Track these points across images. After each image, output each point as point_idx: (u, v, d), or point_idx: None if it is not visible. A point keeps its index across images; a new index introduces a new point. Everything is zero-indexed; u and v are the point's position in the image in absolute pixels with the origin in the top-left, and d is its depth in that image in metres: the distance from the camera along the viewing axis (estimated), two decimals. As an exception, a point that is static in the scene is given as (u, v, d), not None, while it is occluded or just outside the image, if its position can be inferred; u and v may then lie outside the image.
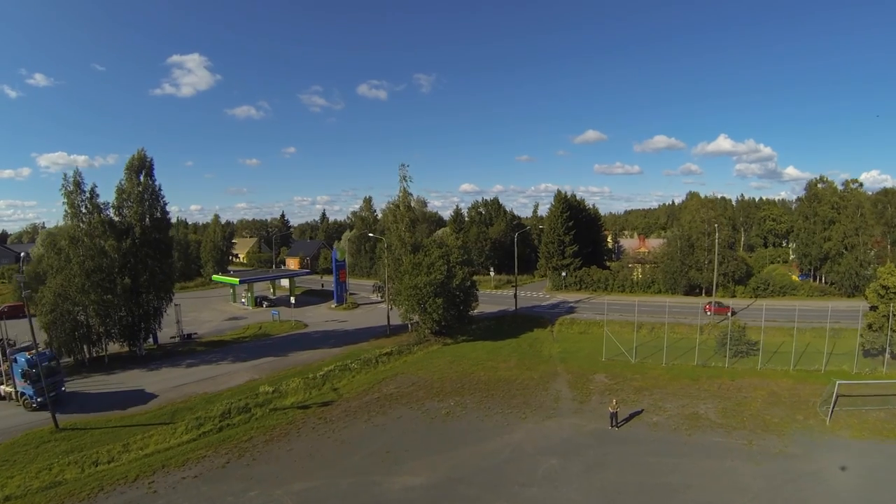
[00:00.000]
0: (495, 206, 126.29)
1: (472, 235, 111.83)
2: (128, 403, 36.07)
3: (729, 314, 60.16)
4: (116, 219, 48.04)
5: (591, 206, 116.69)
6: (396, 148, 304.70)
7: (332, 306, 76.83)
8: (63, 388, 37.57)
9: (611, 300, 75.01)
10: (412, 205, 60.57)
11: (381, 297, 71.06)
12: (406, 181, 58.79)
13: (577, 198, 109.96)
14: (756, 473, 25.57)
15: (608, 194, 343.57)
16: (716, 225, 72.32)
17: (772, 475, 25.35)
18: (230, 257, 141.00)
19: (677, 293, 77.83)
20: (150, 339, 52.95)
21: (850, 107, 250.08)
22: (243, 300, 79.75)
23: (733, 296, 74.52)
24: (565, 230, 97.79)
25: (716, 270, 65.51)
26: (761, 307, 54.94)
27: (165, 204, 50.35)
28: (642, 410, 34.28)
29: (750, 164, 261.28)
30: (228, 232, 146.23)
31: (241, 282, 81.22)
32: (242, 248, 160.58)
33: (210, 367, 45.20)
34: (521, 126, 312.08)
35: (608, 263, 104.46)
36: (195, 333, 58.09)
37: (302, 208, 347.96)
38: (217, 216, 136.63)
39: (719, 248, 73.73)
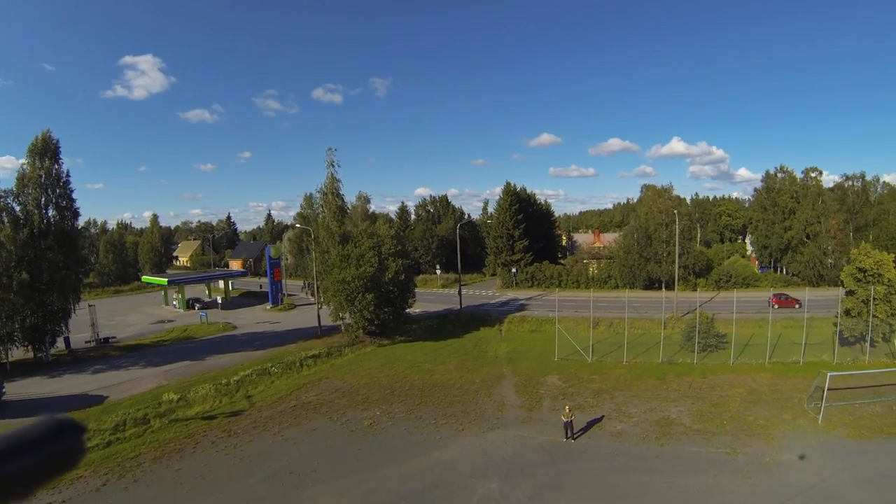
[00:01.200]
0: (444, 203, 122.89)
1: (419, 233, 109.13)
2: (17, 415, 31.79)
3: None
4: (17, 207, 44.88)
5: (542, 202, 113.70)
6: (352, 152, 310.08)
7: (268, 308, 74.62)
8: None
9: (565, 296, 71.47)
10: (341, 192, 56.38)
11: (312, 296, 66.14)
12: (333, 167, 55.46)
13: (528, 191, 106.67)
14: (746, 490, 21.47)
15: (563, 197, 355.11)
16: (675, 212, 69.40)
17: (766, 492, 21.37)
18: (171, 259, 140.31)
19: (636, 288, 75.40)
20: (63, 344, 50.39)
21: (799, 106, 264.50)
22: (175, 302, 77.29)
23: (695, 289, 72.36)
24: (514, 224, 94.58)
25: (677, 261, 62.09)
26: (725, 299, 53.04)
27: (72, 191, 47.29)
28: (603, 417, 29.88)
29: (703, 166, 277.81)
30: (167, 234, 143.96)
31: (169, 282, 78.69)
32: (187, 251, 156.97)
33: (118, 374, 41.93)
34: (477, 130, 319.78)
35: (562, 260, 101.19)
36: (113, 337, 55.63)
37: (257, 213, 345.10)
38: (156, 216, 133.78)
39: (678, 239, 71.01)
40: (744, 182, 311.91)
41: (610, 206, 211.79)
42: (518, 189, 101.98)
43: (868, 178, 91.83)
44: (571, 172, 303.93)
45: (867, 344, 40.63)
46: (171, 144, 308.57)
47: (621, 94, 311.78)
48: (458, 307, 65.28)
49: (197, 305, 72.99)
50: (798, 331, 45.04)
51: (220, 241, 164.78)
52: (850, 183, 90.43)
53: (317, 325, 55.67)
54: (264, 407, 33.05)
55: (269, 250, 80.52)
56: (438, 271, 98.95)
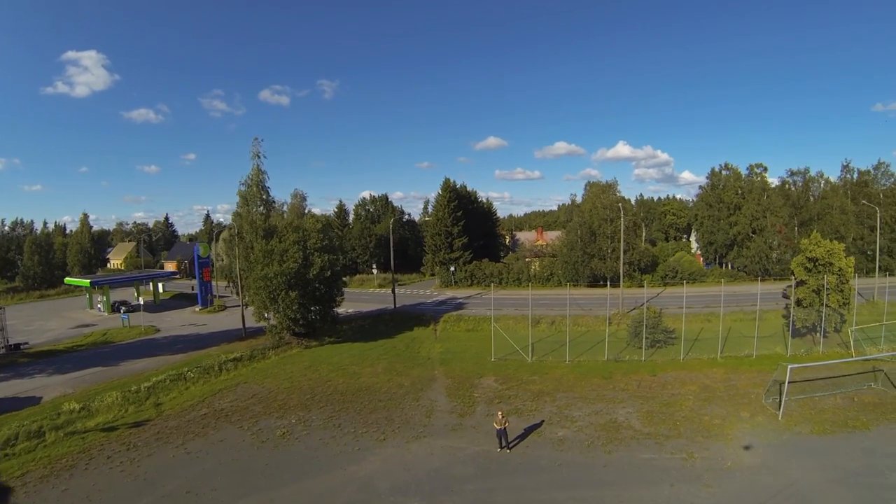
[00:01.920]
0: (384, 203, 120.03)
1: (356, 232, 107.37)
2: None
3: None
4: None
5: (484, 201, 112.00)
6: (298, 155, 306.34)
7: (196, 310, 72.63)
8: None
9: (505, 295, 70.46)
10: (266, 184, 52.96)
11: (238, 295, 62.51)
12: (259, 158, 52.25)
13: (468, 189, 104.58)
14: (709, 501, 18.73)
15: (509, 199, 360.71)
16: (620, 205, 68.30)
17: (732, 501, 18.43)
18: (104, 262, 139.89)
19: (580, 285, 73.90)
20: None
21: (740, 112, 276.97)
22: (99, 306, 74.27)
23: (641, 285, 71.49)
24: (453, 221, 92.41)
25: (622, 256, 60.59)
26: (672, 295, 52.30)
27: None
28: (543, 422, 27.03)
29: (648, 169, 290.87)
30: (102, 236, 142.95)
31: (92, 284, 75.57)
32: (121, 254, 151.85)
33: (21, 382, 38.90)
34: (423, 133, 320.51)
35: (504, 259, 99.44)
36: (25, 343, 52.45)
37: (201, 217, 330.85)
38: (86, 215, 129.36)
39: (624, 235, 70.34)
40: (687, 185, 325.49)
41: (555, 207, 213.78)
42: (458, 186, 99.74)
43: (812, 174, 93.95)
44: (517, 175, 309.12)
45: (819, 335, 40.44)
46: (113, 145, 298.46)
47: (568, 98, 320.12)
48: (392, 307, 63.25)
49: (122, 308, 69.28)
50: (748, 324, 44.84)
51: (157, 243, 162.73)
52: (794, 179, 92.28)
53: (248, 326, 53.26)
54: (173, 415, 30.34)
55: (197, 249, 76.78)
56: (375, 271, 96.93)
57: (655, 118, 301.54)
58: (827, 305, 39.67)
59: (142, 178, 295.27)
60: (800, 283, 42.21)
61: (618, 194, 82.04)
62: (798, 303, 41.41)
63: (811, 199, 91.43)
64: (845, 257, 40.78)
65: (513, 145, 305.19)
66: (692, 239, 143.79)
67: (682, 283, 70.99)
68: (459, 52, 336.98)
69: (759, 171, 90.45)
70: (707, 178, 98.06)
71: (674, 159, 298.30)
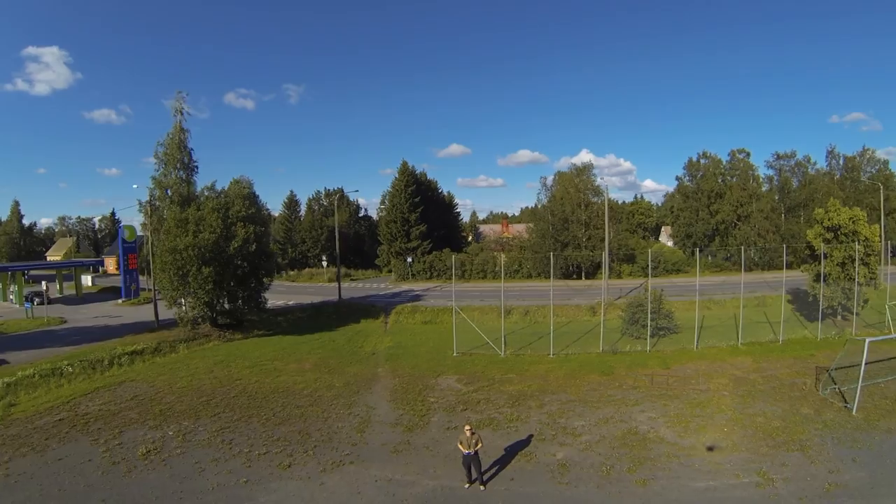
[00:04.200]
0: (338, 196, 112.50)
1: (307, 223, 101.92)
2: None
3: None
4: None
5: (446, 193, 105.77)
6: (263, 159, 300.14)
7: (119, 302, 65.92)
8: None
9: (468, 287, 64.42)
10: (188, 145, 46.14)
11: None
12: (182, 114, 45.21)
13: (429, 177, 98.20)
14: None
15: (471, 206, 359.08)
16: (600, 184, 62.47)
17: None
18: (40, 257, 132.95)
19: (553, 277, 66.87)
20: None
21: (700, 124, 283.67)
22: (11, 297, 69.93)
23: (619, 276, 65.65)
24: (411, 207, 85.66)
25: (607, 235, 54.47)
26: (656, 286, 46.28)
27: None
28: (531, 437, 19.35)
29: (611, 177, 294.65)
30: (45, 236, 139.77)
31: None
32: (62, 249, 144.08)
33: None
34: (387, 140, 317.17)
35: (466, 250, 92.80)
36: None
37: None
38: (17, 202, 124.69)
39: (595, 222, 65.71)
40: (649, 193, 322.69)
41: (517, 212, 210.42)
42: (417, 173, 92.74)
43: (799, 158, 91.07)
44: (480, 182, 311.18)
45: (838, 317, 37.59)
46: (74, 146, 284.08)
47: (531, 107, 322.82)
48: (337, 298, 57.41)
49: (36, 300, 62.31)
50: (752, 310, 41.02)
51: (104, 239, 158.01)
52: (781, 163, 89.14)
53: (167, 317, 46.03)
54: (20, 420, 23.47)
55: (122, 231, 68.82)
56: (325, 263, 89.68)
57: (618, 127, 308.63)
58: (856, 280, 35.68)
59: (102, 180, 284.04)
60: (813, 258, 38.75)
61: (593, 176, 76.32)
62: (820, 278, 36.74)
63: (796, 184, 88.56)
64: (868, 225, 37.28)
65: (476, 153, 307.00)
66: (662, 239, 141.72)
67: (664, 274, 67.80)
68: (424, 60, 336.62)
69: (741, 156, 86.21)
70: (684, 167, 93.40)
71: (636, 167, 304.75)
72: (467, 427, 15.99)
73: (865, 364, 20.57)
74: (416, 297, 59.97)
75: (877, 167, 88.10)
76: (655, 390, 24.01)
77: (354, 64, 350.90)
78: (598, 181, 76.02)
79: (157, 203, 46.10)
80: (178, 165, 45.12)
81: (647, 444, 18.15)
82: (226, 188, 60.00)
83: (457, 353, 32.14)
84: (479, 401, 23.56)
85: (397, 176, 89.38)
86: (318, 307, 53.69)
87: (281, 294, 60.16)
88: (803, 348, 30.80)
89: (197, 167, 46.27)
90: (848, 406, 20.74)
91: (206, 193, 45.92)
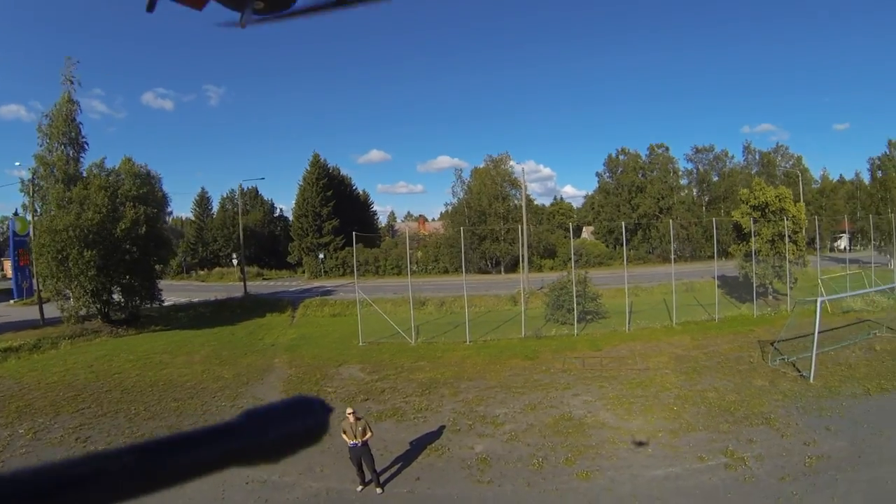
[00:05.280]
0: (252, 195, 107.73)
1: (218, 222, 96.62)
2: None
3: None
4: None
5: (361, 191, 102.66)
6: (181, 162, 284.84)
7: (11, 302, 58.32)
8: None
9: (383, 283, 62.48)
10: (77, 119, 41.52)
11: None
12: (71, 84, 40.87)
13: (342, 172, 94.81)
14: None
15: (390, 213, 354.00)
16: (522, 171, 60.90)
17: None
18: None
19: (470, 272, 64.96)
20: None
21: (616, 129, 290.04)
22: None
23: (540, 269, 64.17)
24: (322, 201, 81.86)
25: (524, 215, 52.36)
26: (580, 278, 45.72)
27: None
28: (443, 428, 16.08)
29: (531, 183, 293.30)
30: None
31: None
32: None
33: None
34: (307, 144, 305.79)
35: (381, 245, 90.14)
36: None
37: None
38: None
39: (513, 215, 64.96)
40: (570, 198, 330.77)
41: (437, 216, 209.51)
42: (330, 167, 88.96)
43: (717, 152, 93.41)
44: (399, 189, 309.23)
45: (769, 296, 37.47)
46: None
47: (452, 112, 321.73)
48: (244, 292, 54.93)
49: None
50: (682, 295, 39.25)
51: (5, 243, 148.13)
52: (701, 156, 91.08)
53: (57, 315, 40.77)
54: None
55: (13, 224, 61.23)
56: (235, 262, 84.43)
57: (538, 132, 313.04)
58: (786, 257, 35.50)
59: (14, 181, 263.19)
60: (741, 238, 38.55)
61: (510, 168, 74.70)
62: (749, 256, 36.62)
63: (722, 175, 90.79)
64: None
65: (396, 159, 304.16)
66: (584, 236, 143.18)
67: (587, 267, 66.12)
68: (343, 63, 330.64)
69: (660, 150, 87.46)
70: (604, 163, 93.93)
71: (556, 173, 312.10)
72: (350, 411, 12.58)
73: (817, 330, 19.23)
74: (328, 293, 57.60)
75: (790, 162, 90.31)
76: (588, 372, 21.42)
77: (275, 65, 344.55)
78: (515, 172, 74.49)
79: (41, 183, 41.37)
80: (65, 140, 40.69)
81: (586, 429, 15.28)
82: (116, 167, 54.84)
83: (363, 342, 28.98)
84: (383, 389, 20.29)
85: (308, 168, 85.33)
86: (222, 302, 50.84)
87: (189, 292, 56.03)
88: (741, 325, 29.92)
89: (87, 144, 41.59)
90: (804, 375, 19.32)
91: (94, 171, 41.96)
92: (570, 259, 49.11)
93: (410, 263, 71.91)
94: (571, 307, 30.95)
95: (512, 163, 75.03)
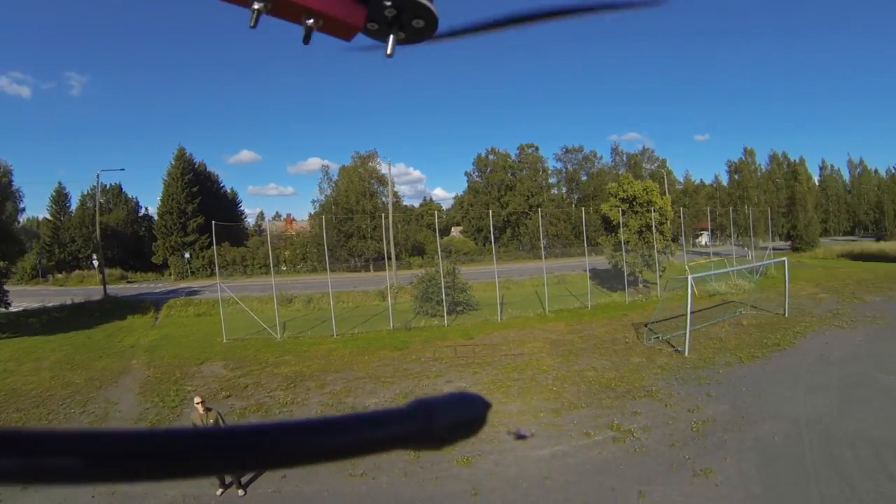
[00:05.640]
0: (115, 193, 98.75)
1: (76, 221, 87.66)
2: None
3: None
4: None
5: (229, 190, 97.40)
6: (38, 159, 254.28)
7: None
8: None
9: (250, 283, 59.02)
10: None
11: None
12: None
13: (209, 169, 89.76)
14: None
15: (258, 213, 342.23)
16: (387, 171, 59.60)
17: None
18: None
19: (338, 270, 63.74)
20: None
21: (485, 132, 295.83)
22: None
23: (409, 266, 63.80)
24: (188, 197, 76.76)
25: (391, 211, 51.19)
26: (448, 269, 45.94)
27: None
28: (308, 423, 13.91)
29: (401, 186, 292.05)
30: None
31: None
32: None
33: None
34: (174, 141, 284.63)
35: (248, 244, 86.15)
36: None
37: None
38: None
39: (382, 211, 63.75)
40: (440, 200, 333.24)
41: (306, 218, 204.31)
42: (196, 163, 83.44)
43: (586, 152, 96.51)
44: (270, 191, 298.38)
45: (640, 285, 38.72)
46: None
47: (323, 114, 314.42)
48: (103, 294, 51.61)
49: None
50: (554, 287, 39.95)
51: None
52: (570, 156, 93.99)
53: None
54: None
55: None
56: (96, 263, 77.04)
57: (407, 134, 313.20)
58: (654, 246, 36.95)
59: None
60: (610, 231, 39.60)
61: (378, 164, 73.56)
62: (619, 246, 37.59)
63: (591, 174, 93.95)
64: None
65: (267, 160, 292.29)
66: (454, 234, 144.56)
67: (457, 263, 66.51)
68: (218, 57, 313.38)
69: (530, 150, 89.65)
70: (473, 163, 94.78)
71: (426, 176, 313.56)
72: (198, 400, 10.95)
73: (690, 305, 20.09)
74: (194, 293, 54.72)
75: (656, 164, 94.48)
76: (461, 360, 20.63)
77: (144, 56, 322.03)
78: (382, 168, 73.59)
79: None
80: None
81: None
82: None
83: (227, 339, 27.06)
84: (246, 385, 18.41)
85: (173, 163, 79.44)
86: (79, 305, 46.49)
87: (44, 297, 50.29)
88: (614, 310, 30.59)
89: None
90: (679, 350, 19.91)
91: None
92: (438, 250, 48.93)
93: (279, 263, 69.47)
94: (440, 299, 30.50)
95: (379, 160, 74.10)
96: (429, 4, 0.97)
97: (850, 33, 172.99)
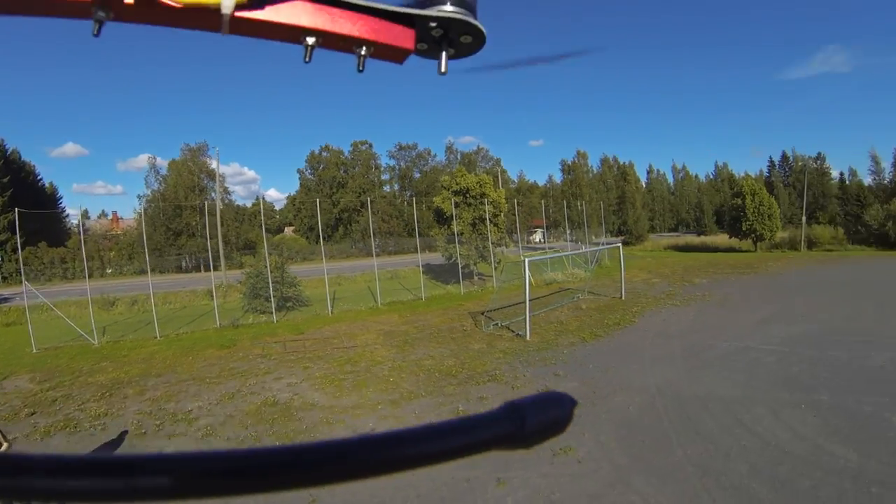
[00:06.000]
0: None
1: None
2: None
3: None
4: None
5: (48, 184, 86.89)
6: None
7: None
8: None
9: (70, 287, 53.06)
10: None
11: None
12: None
13: (23, 159, 78.99)
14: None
15: (83, 210, 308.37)
16: (216, 155, 56.65)
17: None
18: None
19: (167, 271, 61.65)
20: None
21: (316, 131, 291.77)
22: None
23: (241, 266, 60.83)
24: None
25: (218, 203, 48.58)
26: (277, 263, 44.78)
27: None
28: (125, 434, 12.73)
29: (235, 186, 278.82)
30: None
31: None
32: None
33: None
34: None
35: (68, 244, 77.50)
36: None
37: None
38: None
39: (211, 208, 60.87)
40: (275, 201, 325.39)
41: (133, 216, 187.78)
42: (8, 150, 72.97)
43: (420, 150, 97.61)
44: (97, 189, 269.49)
45: (475, 278, 39.36)
46: None
47: (154, 109, 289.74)
48: None
49: None
50: (388, 282, 40.56)
51: None
52: (404, 153, 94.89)
53: None
54: None
55: None
56: None
57: (242, 133, 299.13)
58: (489, 238, 37.85)
59: None
60: (445, 222, 39.55)
61: (209, 157, 69.83)
62: (453, 239, 37.78)
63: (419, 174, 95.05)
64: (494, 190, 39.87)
65: (94, 154, 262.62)
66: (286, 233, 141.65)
67: (291, 262, 64.60)
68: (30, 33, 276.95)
69: (363, 147, 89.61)
70: (306, 160, 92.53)
71: (261, 177, 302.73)
72: None
73: (528, 288, 20.78)
74: (5, 300, 47.94)
75: (491, 163, 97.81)
76: (291, 355, 19.39)
77: None
78: (213, 163, 69.63)
79: None
80: None
81: (294, 413, 13.14)
82: None
83: (37, 349, 23.37)
84: (55, 399, 15.87)
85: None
86: None
87: None
88: (450, 301, 30.76)
89: None
90: (520, 334, 20.12)
91: None
92: (265, 246, 46.96)
93: (104, 265, 63.28)
94: (269, 295, 29.27)
95: (210, 154, 70.07)
96: (474, 21, 0.96)
97: (674, 53, 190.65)
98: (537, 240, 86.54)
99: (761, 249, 59.85)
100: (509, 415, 0.61)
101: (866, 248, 56.13)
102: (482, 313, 24.54)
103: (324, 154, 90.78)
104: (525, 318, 20.18)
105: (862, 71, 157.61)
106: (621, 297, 28.17)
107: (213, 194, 64.84)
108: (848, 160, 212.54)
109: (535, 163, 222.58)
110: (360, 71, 1.00)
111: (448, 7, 0.95)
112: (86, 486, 0.49)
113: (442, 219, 39.72)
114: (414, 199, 52.74)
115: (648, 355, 16.73)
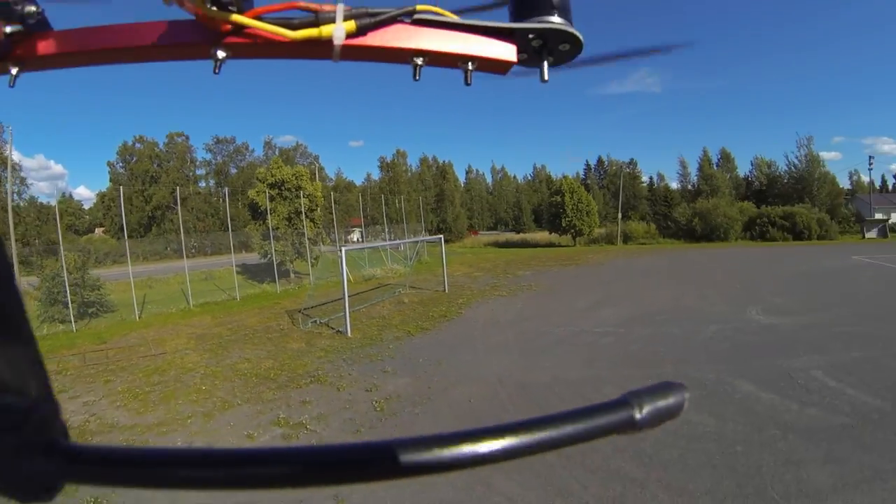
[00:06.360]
0: None
1: None
2: None
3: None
4: None
5: None
6: None
7: None
8: None
9: None
10: None
11: None
12: None
13: None
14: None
15: None
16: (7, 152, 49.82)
17: None
18: None
19: None
20: None
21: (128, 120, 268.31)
22: None
23: (43, 270, 54.77)
24: None
25: (10, 208, 43.28)
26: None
27: None
28: None
29: (39, 182, 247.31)
30: None
31: None
32: None
33: None
34: None
35: None
36: None
37: None
38: None
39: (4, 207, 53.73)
40: (85, 200, 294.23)
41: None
42: None
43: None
44: None
45: (292, 275, 38.19)
46: None
47: None
48: None
49: None
50: (202, 283, 38.40)
51: None
52: (221, 147, 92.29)
53: None
54: None
55: None
56: None
57: (45, 119, 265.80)
58: (305, 234, 36.89)
59: None
60: (260, 216, 37.74)
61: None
62: (267, 235, 36.29)
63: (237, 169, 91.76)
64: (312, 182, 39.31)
65: None
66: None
67: (98, 266, 58.82)
68: None
69: (179, 139, 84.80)
70: (116, 154, 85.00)
71: (69, 172, 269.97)
72: None
73: (345, 282, 20.07)
74: None
75: (309, 160, 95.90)
76: (91, 369, 16.80)
77: None
78: (5, 150, 61.59)
79: None
80: None
81: (90, 437, 11.11)
82: None
83: None
84: None
85: None
86: None
87: None
88: (265, 300, 29.53)
89: None
90: (340, 331, 19.06)
91: None
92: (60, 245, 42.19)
93: None
94: (68, 300, 25.42)
95: (4, 138, 62.14)
96: (571, 30, 0.99)
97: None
98: (355, 239, 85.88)
99: (580, 244, 64.47)
100: (627, 403, 0.62)
101: (676, 242, 63.67)
102: (299, 311, 23.69)
103: (137, 146, 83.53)
104: (345, 314, 19.28)
105: (671, 93, 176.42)
106: (444, 291, 28.07)
107: (6, 185, 56.95)
108: (656, 166, 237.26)
109: (354, 163, 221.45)
110: (468, 84, 1.01)
111: (547, 19, 0.97)
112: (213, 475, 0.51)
113: (257, 213, 37.79)
114: (227, 192, 50.06)
115: (481, 345, 16.49)
